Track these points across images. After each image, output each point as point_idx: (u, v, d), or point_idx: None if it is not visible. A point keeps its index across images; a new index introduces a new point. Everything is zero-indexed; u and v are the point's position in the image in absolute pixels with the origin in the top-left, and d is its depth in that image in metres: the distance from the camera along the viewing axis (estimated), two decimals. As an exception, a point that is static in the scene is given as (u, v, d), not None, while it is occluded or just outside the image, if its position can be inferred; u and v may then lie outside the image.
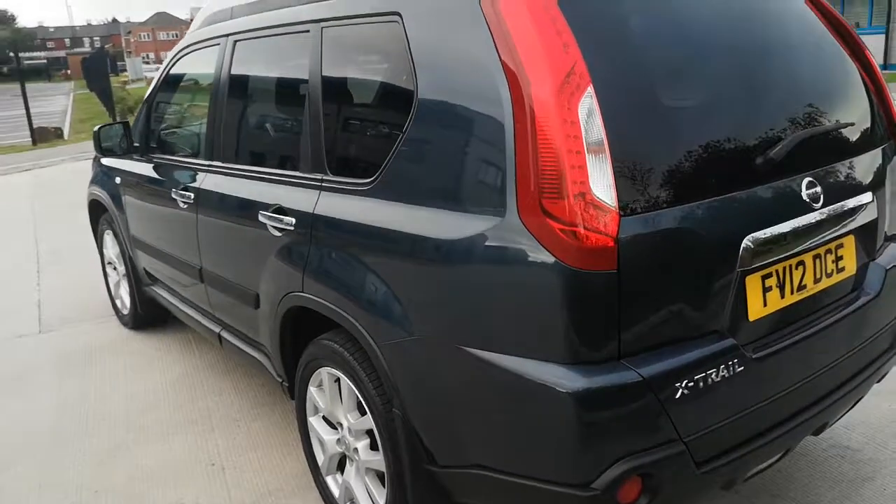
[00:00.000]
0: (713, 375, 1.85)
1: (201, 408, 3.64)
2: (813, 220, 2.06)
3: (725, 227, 1.89)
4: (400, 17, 2.12)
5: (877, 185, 2.34)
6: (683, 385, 1.80)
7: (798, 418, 2.11)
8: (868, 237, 2.32)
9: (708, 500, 2.67)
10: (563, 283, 1.73)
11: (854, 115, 2.36)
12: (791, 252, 2.04)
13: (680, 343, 1.84)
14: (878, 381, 2.57)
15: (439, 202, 2.00)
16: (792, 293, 2.08)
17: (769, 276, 2.01)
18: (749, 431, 2.00)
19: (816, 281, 2.15)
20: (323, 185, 2.43)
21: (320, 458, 2.70)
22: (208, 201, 3.17)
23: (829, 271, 2.19)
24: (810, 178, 2.08)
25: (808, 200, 2.06)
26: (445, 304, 1.99)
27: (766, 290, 2.01)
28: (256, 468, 3.09)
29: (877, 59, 16.53)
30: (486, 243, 1.86)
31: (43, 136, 17.78)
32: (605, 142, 1.72)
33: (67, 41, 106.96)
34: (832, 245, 2.19)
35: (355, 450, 2.47)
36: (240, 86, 3.09)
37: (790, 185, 2.05)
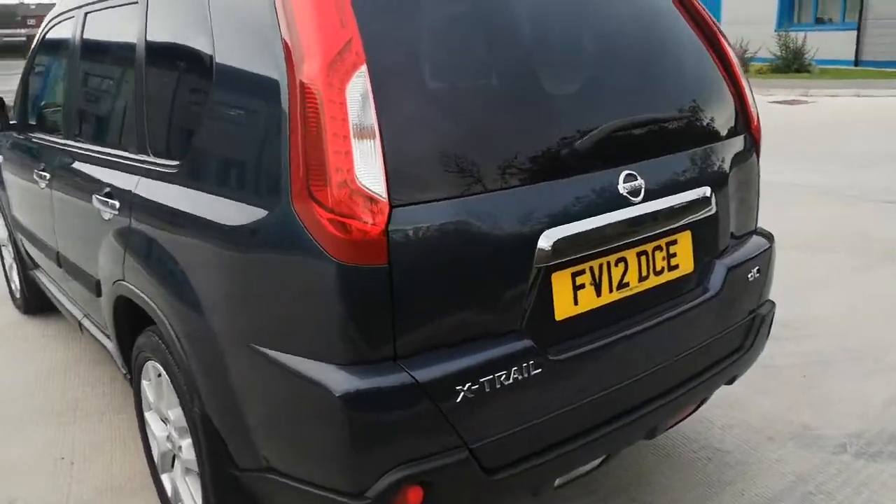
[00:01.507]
0: (503, 379, 1.74)
1: (69, 399, 3.50)
2: (631, 216, 1.95)
3: (518, 221, 1.78)
4: None
5: (719, 180, 2.23)
6: (467, 389, 1.69)
7: (616, 423, 2.01)
8: (708, 234, 2.22)
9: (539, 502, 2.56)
10: (330, 277, 1.61)
11: (693, 107, 2.25)
12: (606, 249, 1.93)
13: (466, 344, 1.73)
14: (729, 383, 2.48)
15: (228, 187, 1.88)
16: (611, 292, 1.97)
17: (581, 273, 1.90)
18: (554, 436, 1.90)
19: (642, 279, 2.04)
20: (143, 167, 2.30)
21: (155, 455, 2.58)
22: (59, 183, 3.03)
23: (658, 269, 2.08)
24: (630, 171, 1.97)
25: (625, 194, 1.95)
26: (232, 299, 1.87)
27: (577, 287, 1.90)
28: (107, 463, 2.96)
29: (848, 55, 16.42)
30: (263, 233, 1.74)
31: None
32: (377, 127, 1.60)
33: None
34: (662, 242, 2.08)
35: (179, 448, 2.35)
36: (87, 61, 2.94)
37: (604, 178, 1.93)
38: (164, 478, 2.56)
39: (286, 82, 1.66)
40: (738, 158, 2.34)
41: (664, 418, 2.18)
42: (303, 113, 1.61)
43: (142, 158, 2.31)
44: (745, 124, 2.41)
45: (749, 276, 2.34)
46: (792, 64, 17.53)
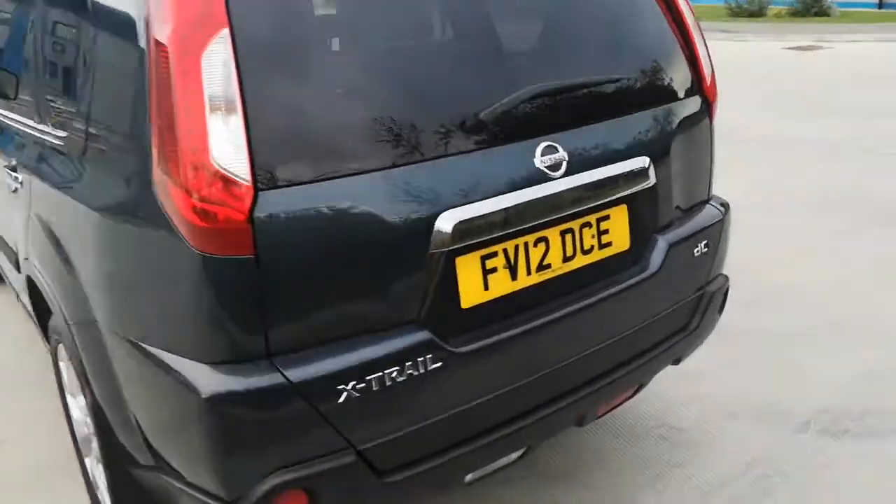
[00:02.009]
0: (395, 375, 1.60)
1: (29, 370, 3.41)
2: (551, 192, 1.77)
3: (410, 203, 1.60)
4: None
5: (660, 148, 2.03)
6: (351, 388, 1.55)
7: (536, 414, 1.87)
8: (647, 208, 2.03)
9: (476, 489, 2.44)
10: (191, 269, 1.46)
11: (631, 67, 2.04)
12: (522, 229, 1.75)
13: (354, 339, 1.58)
14: (675, 364, 2.32)
15: (103, 165, 1.72)
16: (529, 275, 1.81)
17: (492, 255, 1.74)
18: (460, 433, 1.76)
19: (567, 259, 1.87)
20: (42, 138, 2.14)
21: (78, 438, 2.49)
22: None
23: (586, 248, 1.91)
24: (550, 143, 1.78)
25: (543, 169, 1.76)
26: (108, 286, 1.73)
27: (487, 272, 1.74)
28: (45, 442, 2.88)
29: (872, -1, 15.43)
30: (130, 217, 1.60)
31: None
32: (240, 101, 1.42)
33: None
34: (592, 218, 1.90)
35: (93, 433, 2.25)
36: (18, 19, 2.74)
37: (517, 151, 1.75)
38: (87, 461, 2.47)
39: (146, 50, 1.49)
40: (686, 123, 2.13)
41: (593, 406, 2.04)
42: (158, 84, 1.44)
43: (41, 128, 2.15)
44: (696, 85, 2.19)
45: (695, 251, 2.16)
46: (811, 7, 16.82)
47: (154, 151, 1.46)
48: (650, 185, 1.99)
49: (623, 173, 1.92)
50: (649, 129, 2.03)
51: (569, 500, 2.42)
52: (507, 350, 1.78)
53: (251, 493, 1.53)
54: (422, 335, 1.63)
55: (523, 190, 1.73)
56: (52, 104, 2.08)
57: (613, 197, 1.92)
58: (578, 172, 1.82)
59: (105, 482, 2.06)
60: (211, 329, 1.48)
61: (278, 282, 1.48)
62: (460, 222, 1.63)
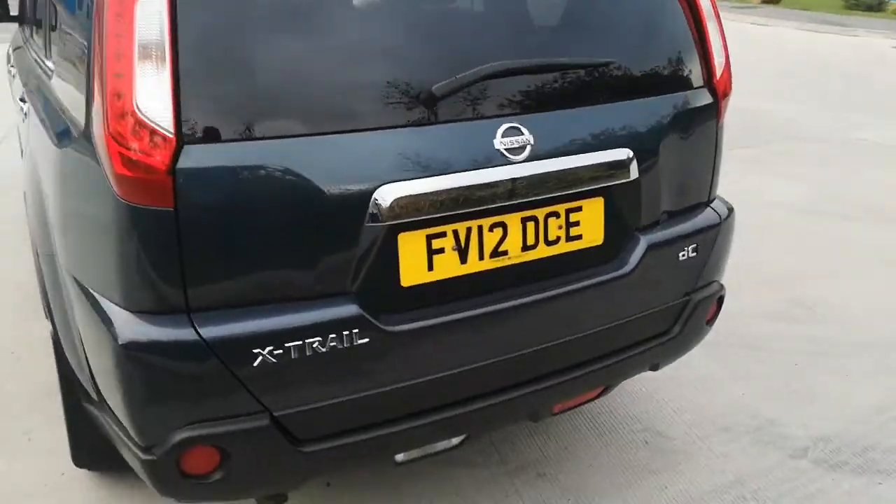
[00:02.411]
0: (317, 346, 1.57)
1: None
2: (509, 177, 1.68)
3: (348, 172, 1.55)
4: None
5: (648, 141, 1.90)
6: (268, 353, 1.53)
7: (477, 403, 1.81)
8: (627, 204, 1.91)
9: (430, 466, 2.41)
10: (116, 216, 1.46)
11: (626, 49, 1.91)
12: (475, 211, 1.68)
13: (277, 304, 1.56)
14: (653, 370, 2.21)
15: (64, 102, 1.75)
16: (481, 259, 1.74)
17: (440, 236, 1.67)
18: (389, 412, 1.72)
19: (527, 248, 1.79)
20: (42, 69, 2.19)
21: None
22: (20, 78, 3.00)
23: (551, 238, 1.82)
24: (513, 125, 1.69)
25: (502, 151, 1.67)
26: (62, 223, 1.77)
27: (433, 252, 1.67)
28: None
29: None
30: (72, 157, 1.61)
31: None
32: (170, 49, 1.40)
33: None
34: (560, 208, 1.81)
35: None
36: None
37: (475, 129, 1.67)
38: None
39: None
40: (686, 117, 1.99)
41: (547, 403, 1.96)
42: (98, 26, 1.43)
43: (43, 61, 2.20)
44: (704, 77, 2.04)
45: (680, 254, 2.03)
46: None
47: (88, 94, 1.46)
48: (631, 179, 1.87)
49: (598, 164, 1.81)
50: (637, 120, 1.90)
51: (529, 492, 2.36)
52: (447, 335, 1.72)
53: (163, 443, 1.54)
54: (350, 309, 1.59)
55: (478, 171, 1.65)
56: (49, 39, 2.13)
57: (586, 188, 1.81)
58: (545, 158, 1.73)
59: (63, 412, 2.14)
60: (132, 278, 1.49)
61: (198, 238, 1.47)
62: (401, 198, 1.57)
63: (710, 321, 2.25)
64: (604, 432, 2.67)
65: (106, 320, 1.54)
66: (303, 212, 1.52)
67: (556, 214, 1.81)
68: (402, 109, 1.59)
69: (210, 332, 1.49)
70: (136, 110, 1.39)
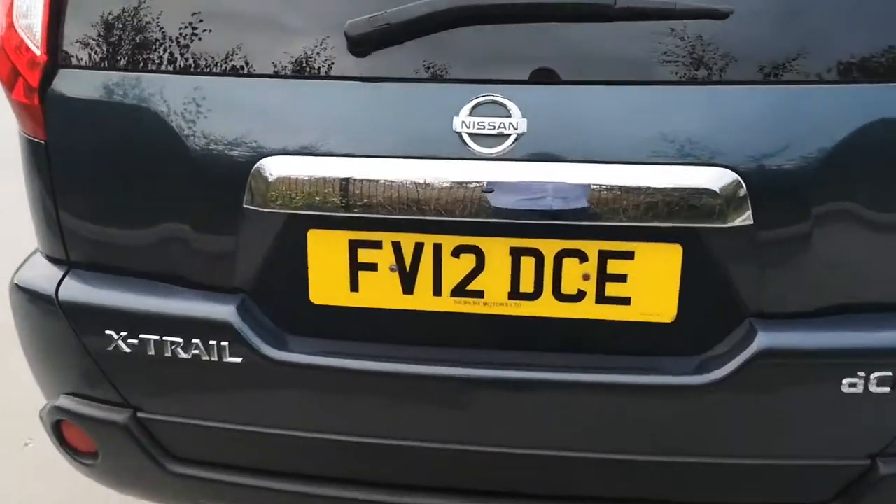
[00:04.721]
0: (176, 348, 1.21)
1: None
2: (471, 178, 1.06)
3: (231, 128, 1.13)
4: None
5: (787, 163, 1.04)
6: (121, 338, 1.23)
7: (401, 497, 1.24)
8: (732, 265, 1.09)
9: None
10: (21, 145, 1.31)
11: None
12: (421, 220, 1.10)
13: (147, 281, 1.24)
14: None
15: None
16: (438, 295, 1.15)
17: (372, 245, 1.15)
18: (282, 462, 1.28)
19: (520, 296, 1.14)
20: None
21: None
22: None
23: (567, 291, 1.12)
24: (494, 97, 1.05)
25: (463, 136, 1.06)
26: None
27: (359, 265, 1.16)
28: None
29: None
30: None
31: None
32: None
33: None
34: (588, 246, 1.10)
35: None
36: None
37: (423, 97, 1.08)
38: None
39: None
40: (880, 130, 1.04)
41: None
42: None
43: None
44: None
45: (846, 381, 1.10)
46: None
47: None
48: (734, 225, 1.05)
49: (669, 190, 1.04)
50: (766, 119, 1.04)
51: None
52: (369, 386, 1.20)
53: (49, 404, 1.38)
54: (220, 311, 1.19)
55: (415, 161, 1.07)
56: None
57: (646, 224, 1.07)
58: (544, 159, 1.05)
59: None
60: (37, 220, 1.33)
61: (69, 182, 1.23)
62: (287, 178, 1.10)
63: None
64: None
65: (32, 261, 1.42)
66: (182, 172, 1.16)
67: (580, 255, 1.11)
68: (318, 55, 1.10)
69: (68, 292, 1.26)
70: (15, 24, 1.20)
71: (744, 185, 1.04)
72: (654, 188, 1.04)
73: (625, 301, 1.13)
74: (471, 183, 1.07)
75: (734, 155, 1.04)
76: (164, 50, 1.15)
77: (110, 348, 1.24)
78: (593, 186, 1.05)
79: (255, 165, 1.11)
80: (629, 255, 1.11)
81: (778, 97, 1.06)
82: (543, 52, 1.07)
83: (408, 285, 1.16)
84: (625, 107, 1.07)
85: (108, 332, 1.24)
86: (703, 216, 1.05)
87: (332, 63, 1.10)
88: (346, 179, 1.10)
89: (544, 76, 1.07)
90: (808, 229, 1.07)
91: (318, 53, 1.10)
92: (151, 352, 1.22)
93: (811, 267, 1.09)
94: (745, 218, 1.05)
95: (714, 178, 1.04)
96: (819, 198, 1.06)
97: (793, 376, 1.11)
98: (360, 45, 1.07)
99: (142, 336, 1.22)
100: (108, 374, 1.28)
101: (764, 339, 1.10)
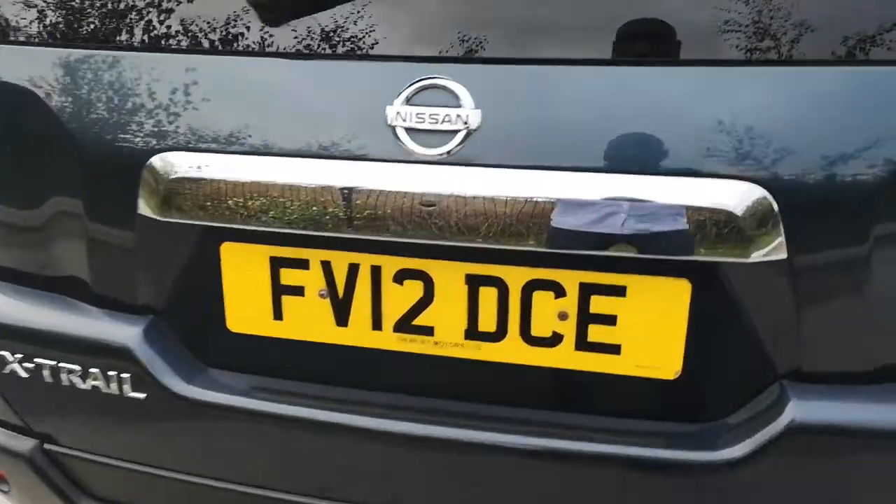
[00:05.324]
0: (73, 377, 1.01)
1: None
2: (405, 187, 0.82)
3: (127, 116, 0.91)
4: None
5: (813, 180, 0.76)
6: (16, 359, 1.04)
7: None
8: (760, 310, 0.81)
9: None
10: None
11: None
12: (349, 238, 0.87)
13: (50, 294, 1.05)
14: None
15: None
16: (377, 329, 0.92)
17: (297, 264, 0.91)
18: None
19: (478, 336, 0.89)
20: None
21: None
22: None
23: (537, 333, 0.87)
24: (438, 80, 0.80)
25: (397, 131, 0.81)
26: None
27: (283, 289, 0.93)
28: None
29: None
30: None
31: None
32: None
33: None
34: (563, 276, 0.84)
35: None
36: None
37: (344, 79, 0.84)
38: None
39: None
40: None
41: None
42: None
43: None
44: None
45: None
46: None
47: None
48: (771, 257, 0.77)
49: (673, 209, 0.77)
50: (809, 116, 0.76)
51: None
52: (293, 438, 0.97)
53: None
54: (120, 335, 0.98)
55: (349, 162, 0.83)
56: None
57: (643, 256, 0.80)
58: (511, 164, 0.79)
59: None
60: None
61: None
62: (184, 179, 0.87)
63: None
64: None
65: None
66: (66, 167, 0.95)
67: (555, 289, 0.85)
68: (211, 24, 0.87)
69: None
70: None
71: (775, 205, 0.76)
72: (673, 207, 0.77)
73: (613, 349, 0.86)
74: (409, 192, 0.82)
75: (763, 164, 0.76)
76: (40, 19, 0.94)
77: (6, 371, 1.06)
78: (568, 201, 0.79)
79: (147, 164, 0.89)
80: (619, 291, 0.84)
81: (832, 82, 0.76)
82: (506, 19, 0.81)
83: (341, 315, 0.93)
84: (613, 96, 0.79)
85: (1, 352, 1.06)
86: (717, 245, 0.78)
87: (240, 35, 0.86)
88: (259, 183, 0.87)
89: (506, 52, 0.81)
90: (863, 265, 0.78)
91: (221, 23, 0.87)
92: (49, 379, 1.03)
93: (864, 315, 0.80)
94: (775, 248, 0.77)
95: (734, 194, 0.76)
96: (878, 223, 0.77)
97: (835, 461, 0.83)
98: (272, 11, 0.83)
99: (36, 360, 1.03)
100: (8, 400, 1.10)
101: (798, 410, 0.82)
